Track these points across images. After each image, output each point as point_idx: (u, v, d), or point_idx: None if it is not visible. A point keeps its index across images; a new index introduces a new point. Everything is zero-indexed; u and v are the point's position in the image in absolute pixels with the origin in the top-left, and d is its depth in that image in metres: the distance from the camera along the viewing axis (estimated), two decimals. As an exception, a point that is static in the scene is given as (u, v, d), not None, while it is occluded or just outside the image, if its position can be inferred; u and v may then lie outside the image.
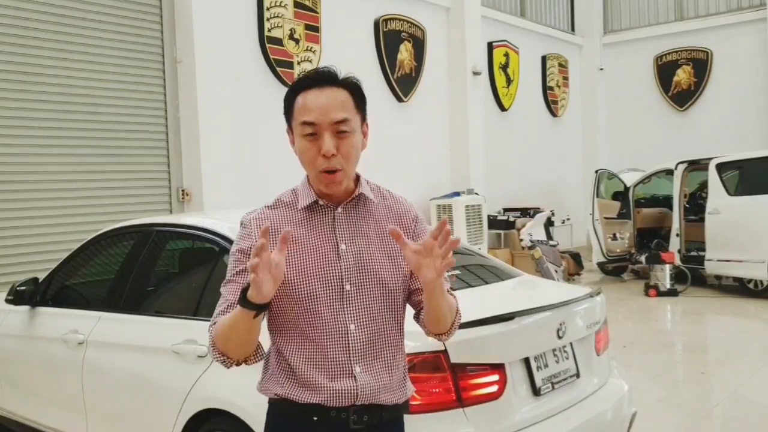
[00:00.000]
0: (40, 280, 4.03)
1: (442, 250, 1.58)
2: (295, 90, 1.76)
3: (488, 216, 10.37)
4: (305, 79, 1.75)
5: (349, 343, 1.72)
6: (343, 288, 1.73)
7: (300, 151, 1.74)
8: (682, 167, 9.83)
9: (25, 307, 3.99)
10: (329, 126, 1.69)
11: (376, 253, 1.78)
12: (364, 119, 1.80)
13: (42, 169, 6.16)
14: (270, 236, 1.69)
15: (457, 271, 3.53)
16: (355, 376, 1.72)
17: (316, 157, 1.70)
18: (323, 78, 1.73)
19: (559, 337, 2.94)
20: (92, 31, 6.49)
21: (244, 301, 1.57)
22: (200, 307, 3.11)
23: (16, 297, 3.95)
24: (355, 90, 1.76)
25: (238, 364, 1.72)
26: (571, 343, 3.09)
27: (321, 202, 1.78)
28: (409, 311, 1.88)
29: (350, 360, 1.72)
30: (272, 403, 1.82)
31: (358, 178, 1.82)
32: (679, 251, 9.73)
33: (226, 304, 1.72)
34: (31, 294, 3.95)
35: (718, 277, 9.74)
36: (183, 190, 7.12)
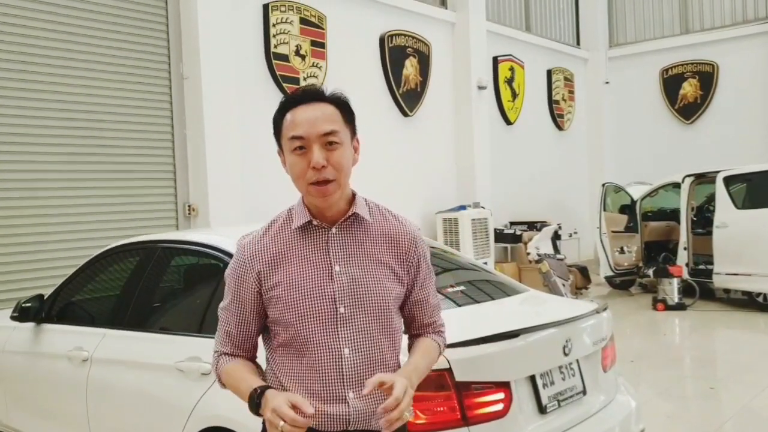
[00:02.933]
0: (45, 297, 4.03)
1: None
2: (282, 109, 1.76)
3: (495, 229, 10.35)
4: (291, 98, 1.76)
5: (342, 368, 1.70)
6: (336, 310, 1.71)
7: (290, 166, 1.73)
8: (689, 180, 9.80)
9: (30, 324, 3.99)
10: (318, 138, 1.69)
11: (372, 274, 1.75)
12: (354, 134, 1.79)
13: (48, 185, 6.19)
14: (266, 262, 1.74)
15: (463, 287, 3.51)
16: (347, 402, 1.70)
17: (306, 171, 1.69)
18: (310, 95, 1.74)
19: (566, 354, 2.92)
20: (99, 47, 6.53)
21: (253, 407, 1.68)
22: (204, 324, 3.10)
23: (22, 314, 3.96)
24: (342, 104, 1.76)
25: None
26: (577, 360, 3.06)
27: (315, 223, 1.76)
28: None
29: (344, 385, 1.71)
30: (266, 423, 1.81)
31: (353, 197, 1.81)
32: (686, 265, 9.66)
33: (226, 336, 1.78)
34: (37, 311, 3.96)
35: (727, 291, 9.67)
36: (189, 206, 7.14)
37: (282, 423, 1.55)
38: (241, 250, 1.78)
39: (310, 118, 1.70)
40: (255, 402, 1.65)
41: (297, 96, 1.75)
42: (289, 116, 1.73)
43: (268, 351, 1.80)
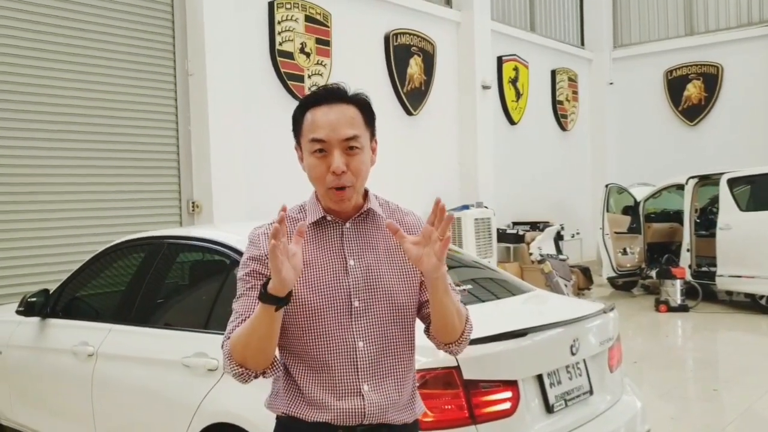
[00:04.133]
0: (50, 292, 4.03)
1: (439, 230, 1.56)
2: (303, 106, 1.74)
3: (497, 229, 10.34)
4: (314, 96, 1.73)
5: (357, 361, 1.70)
6: (351, 304, 1.71)
7: (309, 167, 1.72)
8: (692, 182, 9.79)
9: (36, 319, 3.99)
10: (339, 143, 1.67)
11: (386, 268, 1.76)
12: (373, 135, 1.78)
13: (53, 180, 6.19)
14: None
15: (469, 285, 3.51)
16: (362, 395, 1.70)
17: (325, 174, 1.69)
18: (332, 94, 1.72)
19: (573, 354, 2.92)
20: (105, 43, 6.54)
21: (264, 296, 1.54)
22: (210, 319, 3.10)
23: (27, 308, 3.96)
24: (364, 106, 1.75)
25: (255, 377, 1.69)
26: (584, 360, 3.06)
27: (329, 218, 1.76)
28: (420, 326, 1.85)
29: (358, 378, 1.70)
30: (279, 420, 1.80)
31: (366, 194, 1.81)
32: (689, 266, 9.66)
33: (239, 319, 1.69)
34: (42, 305, 3.96)
35: (730, 293, 9.65)
36: (193, 203, 7.14)
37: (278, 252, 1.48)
38: (256, 238, 1.77)
39: (332, 121, 1.68)
40: (264, 291, 1.54)
41: (320, 95, 1.73)
42: (309, 116, 1.71)
43: (280, 344, 1.78)
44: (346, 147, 1.69)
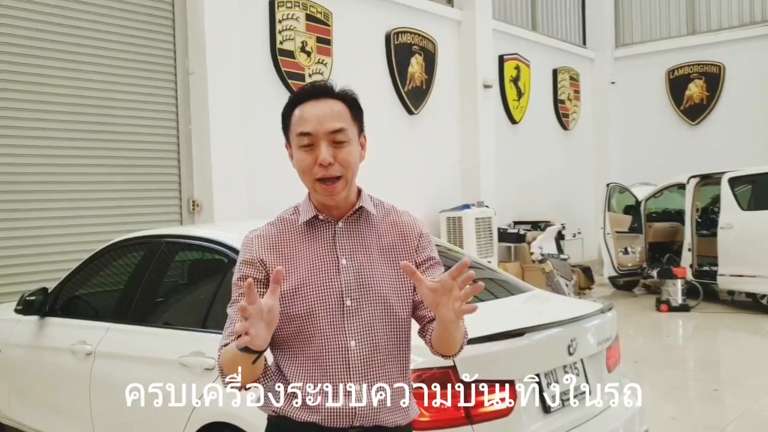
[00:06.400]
0: (49, 291, 4.03)
1: (462, 293, 1.53)
2: (291, 104, 1.76)
3: (498, 229, 10.33)
4: (301, 93, 1.76)
5: (349, 361, 1.69)
6: (343, 303, 1.71)
7: (297, 161, 1.74)
8: (694, 181, 9.77)
9: (34, 317, 3.99)
10: (325, 135, 1.69)
11: (378, 267, 1.75)
12: (361, 131, 1.79)
13: (53, 179, 6.19)
14: (274, 255, 1.71)
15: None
16: (354, 396, 1.69)
17: (313, 166, 1.70)
18: (319, 91, 1.74)
19: (570, 354, 2.91)
20: (105, 42, 6.53)
21: (242, 347, 1.54)
22: (208, 319, 3.10)
23: (26, 307, 3.97)
24: (351, 101, 1.76)
25: (247, 389, 1.70)
26: (582, 360, 3.05)
27: (321, 217, 1.76)
28: (414, 325, 1.84)
29: (350, 378, 1.69)
30: (270, 419, 1.80)
31: (359, 193, 1.81)
32: (691, 266, 9.64)
33: (233, 325, 1.69)
34: (41, 304, 3.96)
35: (731, 293, 9.64)
36: (194, 201, 7.14)
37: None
38: (249, 243, 1.78)
39: (318, 114, 1.70)
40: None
41: (306, 91, 1.75)
42: (297, 111, 1.73)
43: (272, 343, 1.78)
44: (333, 140, 1.70)
